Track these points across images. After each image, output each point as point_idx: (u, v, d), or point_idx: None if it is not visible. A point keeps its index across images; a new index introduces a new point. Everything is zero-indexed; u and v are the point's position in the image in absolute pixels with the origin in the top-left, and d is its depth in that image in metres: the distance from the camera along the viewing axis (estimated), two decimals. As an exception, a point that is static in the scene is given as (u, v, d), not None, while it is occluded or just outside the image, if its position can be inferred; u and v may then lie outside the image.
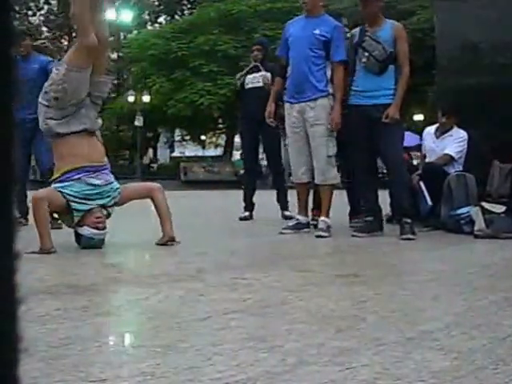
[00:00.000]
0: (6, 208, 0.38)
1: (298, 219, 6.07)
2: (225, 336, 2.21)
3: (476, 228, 5.85)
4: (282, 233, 5.90)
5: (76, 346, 2.10)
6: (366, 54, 5.82)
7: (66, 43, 41.03)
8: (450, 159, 6.73)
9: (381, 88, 5.82)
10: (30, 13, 45.73)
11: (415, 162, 7.38)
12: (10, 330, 0.37)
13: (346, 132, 5.98)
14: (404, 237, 5.57)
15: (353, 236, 5.75)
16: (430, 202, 6.43)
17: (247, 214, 7.99)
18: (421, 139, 7.51)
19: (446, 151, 6.76)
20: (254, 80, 7.92)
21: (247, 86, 8.05)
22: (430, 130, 7.03)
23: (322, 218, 5.86)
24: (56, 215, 6.67)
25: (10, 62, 0.37)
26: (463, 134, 6.89)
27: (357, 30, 6.05)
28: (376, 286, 3.26)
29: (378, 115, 5.71)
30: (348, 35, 6.15)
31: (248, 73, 8.16)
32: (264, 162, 16.91)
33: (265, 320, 2.48)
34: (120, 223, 7.42)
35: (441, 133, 6.88)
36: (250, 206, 8.05)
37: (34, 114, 6.76)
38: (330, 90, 5.91)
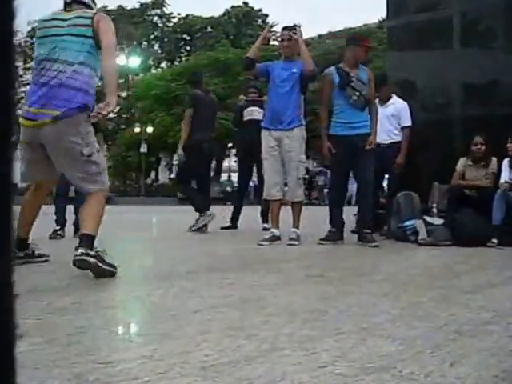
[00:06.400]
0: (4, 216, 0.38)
1: (272, 232, 5.89)
2: (211, 326, 2.20)
3: (419, 237, 5.90)
4: (259, 244, 5.67)
5: (88, 333, 2.08)
6: (357, 93, 5.85)
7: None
8: (409, 130, 6.94)
9: (362, 120, 5.87)
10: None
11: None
12: (8, 320, 0.37)
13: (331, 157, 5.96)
14: (370, 244, 5.61)
15: (319, 244, 5.76)
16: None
17: (230, 224, 8.01)
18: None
19: (405, 124, 6.96)
20: (253, 113, 7.84)
21: (245, 118, 7.96)
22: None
23: (294, 229, 5.84)
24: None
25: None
26: (403, 102, 7.07)
27: (332, 69, 6.04)
28: (337, 285, 3.27)
29: (362, 143, 5.77)
30: (329, 72, 6.06)
31: (249, 103, 8.09)
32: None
33: (245, 313, 2.47)
34: (122, 234, 7.41)
35: (383, 102, 6.98)
36: (236, 218, 8.05)
37: None
38: (304, 122, 5.93)
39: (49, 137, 3.57)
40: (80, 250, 3.34)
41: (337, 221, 6.02)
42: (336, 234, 5.95)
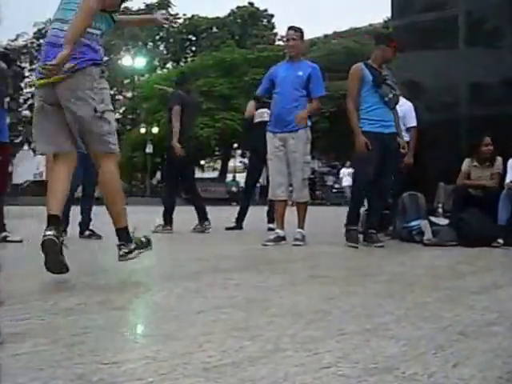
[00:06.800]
0: None
1: (277, 232, 5.87)
2: (215, 327, 2.20)
3: (425, 237, 5.89)
4: (264, 245, 5.64)
5: (93, 334, 2.09)
6: (393, 91, 5.77)
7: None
8: (416, 130, 6.92)
9: (392, 119, 5.83)
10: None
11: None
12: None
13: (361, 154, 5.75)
14: (376, 245, 5.58)
15: (349, 247, 5.56)
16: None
17: (235, 224, 8.03)
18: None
19: (411, 124, 6.91)
20: (263, 115, 7.81)
21: (256, 120, 7.95)
22: None
23: (299, 229, 5.83)
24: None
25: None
26: (407, 102, 7.02)
27: (361, 65, 5.87)
28: (342, 286, 3.27)
29: (392, 143, 5.75)
30: (359, 68, 5.89)
31: (259, 105, 8.10)
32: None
33: (249, 314, 2.47)
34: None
35: None
36: (242, 219, 8.06)
37: None
38: (309, 123, 5.92)
39: (63, 91, 3.51)
40: (123, 250, 3.43)
41: (357, 219, 5.90)
42: (357, 232, 5.81)
